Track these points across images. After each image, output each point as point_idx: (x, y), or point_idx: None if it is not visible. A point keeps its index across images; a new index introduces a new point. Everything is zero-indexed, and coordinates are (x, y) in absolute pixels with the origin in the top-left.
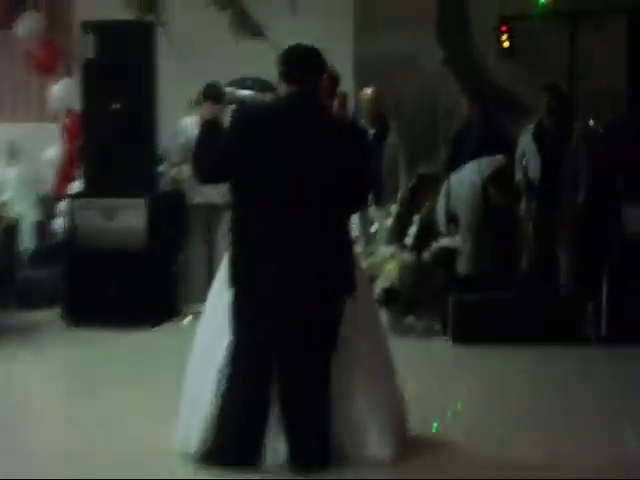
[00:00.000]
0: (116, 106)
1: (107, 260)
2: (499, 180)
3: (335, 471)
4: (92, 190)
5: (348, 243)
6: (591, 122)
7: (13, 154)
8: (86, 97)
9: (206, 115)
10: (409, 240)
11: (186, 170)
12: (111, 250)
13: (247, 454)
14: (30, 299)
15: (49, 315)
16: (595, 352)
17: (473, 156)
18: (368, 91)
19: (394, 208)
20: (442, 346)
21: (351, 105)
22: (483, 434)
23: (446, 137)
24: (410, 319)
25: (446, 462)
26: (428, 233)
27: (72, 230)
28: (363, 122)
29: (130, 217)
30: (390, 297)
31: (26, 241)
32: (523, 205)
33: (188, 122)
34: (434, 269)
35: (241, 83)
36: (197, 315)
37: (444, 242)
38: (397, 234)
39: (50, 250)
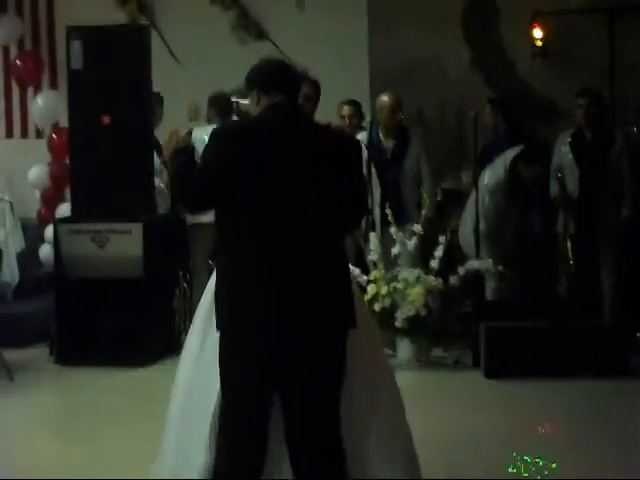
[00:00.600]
0: (107, 120)
1: (99, 292)
2: (525, 154)
3: None
4: (82, 214)
5: (346, 269)
6: (635, 129)
7: None
8: (73, 110)
9: (181, 143)
10: (435, 263)
11: None
12: (104, 280)
13: None
14: (14, 336)
15: (35, 353)
16: None
17: None
18: (385, 98)
19: (417, 227)
20: (473, 380)
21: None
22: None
23: (474, 149)
24: (437, 350)
25: None
26: (455, 255)
27: (60, 259)
28: (380, 134)
29: (125, 243)
30: (415, 326)
31: (9, 272)
32: (560, 222)
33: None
34: (463, 294)
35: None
36: None
37: (473, 264)
38: (421, 256)
39: (36, 282)
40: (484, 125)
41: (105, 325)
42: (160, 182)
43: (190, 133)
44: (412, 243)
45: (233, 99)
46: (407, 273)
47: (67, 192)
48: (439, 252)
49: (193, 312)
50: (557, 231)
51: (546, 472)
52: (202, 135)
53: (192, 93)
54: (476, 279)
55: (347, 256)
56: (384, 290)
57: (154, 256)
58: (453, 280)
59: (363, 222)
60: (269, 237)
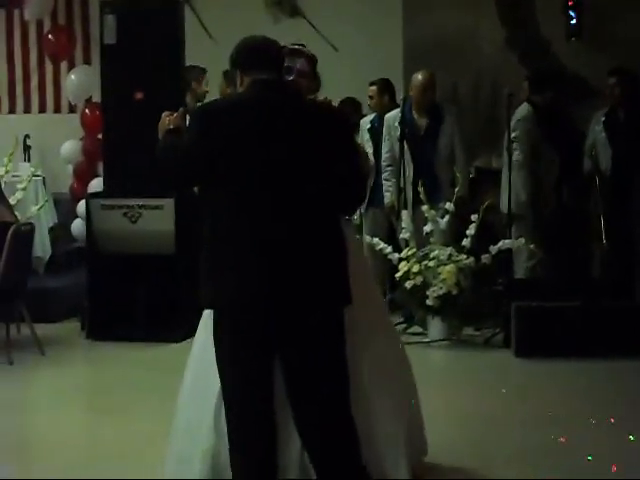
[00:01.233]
0: (140, 95)
1: (132, 267)
2: (533, 82)
3: None
4: (114, 189)
5: (340, 247)
6: None
7: (26, 149)
8: (106, 86)
9: (173, 123)
10: (467, 241)
11: None
12: (136, 256)
13: None
14: (46, 311)
15: (67, 328)
16: None
17: None
18: (418, 76)
19: (450, 206)
20: (504, 359)
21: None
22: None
23: (507, 127)
24: (468, 329)
25: None
26: (489, 233)
27: (92, 234)
28: (414, 112)
29: (157, 219)
30: (446, 305)
31: (41, 247)
32: (593, 201)
33: None
34: (495, 274)
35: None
36: None
37: (506, 243)
38: (453, 235)
39: (68, 257)
40: (519, 103)
41: (137, 300)
42: None
43: (183, 115)
44: (444, 221)
45: None
46: (439, 251)
47: (99, 167)
48: (471, 231)
49: None
50: (590, 210)
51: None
52: None
53: (225, 69)
54: (510, 258)
55: (342, 234)
56: (416, 268)
57: (186, 231)
58: (485, 259)
59: (361, 206)
60: (255, 212)
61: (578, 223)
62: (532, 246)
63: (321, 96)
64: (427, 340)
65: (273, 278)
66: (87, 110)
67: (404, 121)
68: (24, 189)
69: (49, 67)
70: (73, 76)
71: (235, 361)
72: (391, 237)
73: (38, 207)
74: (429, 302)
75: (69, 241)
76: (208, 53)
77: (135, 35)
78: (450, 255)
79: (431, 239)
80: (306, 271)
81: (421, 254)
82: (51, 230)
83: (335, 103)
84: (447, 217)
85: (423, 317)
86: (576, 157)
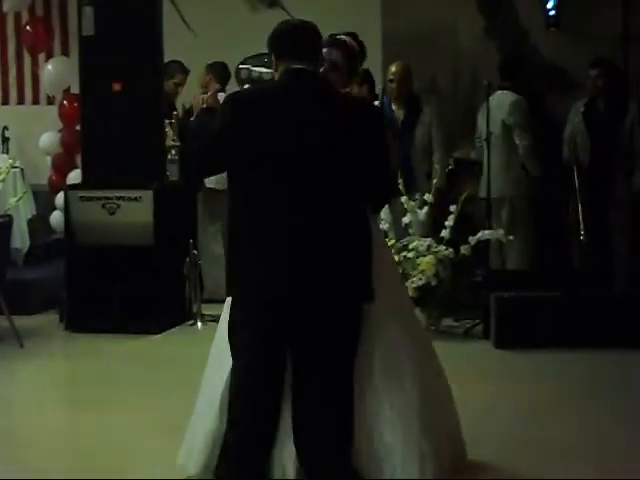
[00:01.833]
0: (118, 87)
1: (110, 258)
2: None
3: None
4: (93, 181)
5: (365, 241)
6: None
7: (5, 140)
8: (85, 77)
9: (207, 102)
10: (446, 232)
11: None
12: (114, 247)
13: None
14: (25, 303)
15: (46, 320)
16: None
17: None
18: (393, 68)
19: (428, 197)
20: (484, 350)
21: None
22: (531, 455)
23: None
24: (447, 320)
25: None
26: (467, 224)
27: (71, 225)
28: (392, 103)
29: (135, 210)
30: (425, 296)
31: (19, 238)
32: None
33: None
34: (474, 264)
35: (258, 59)
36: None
37: (485, 234)
38: (432, 226)
39: (47, 248)
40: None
41: (115, 292)
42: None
43: (217, 93)
44: (423, 212)
45: (243, 67)
46: (418, 242)
47: (78, 159)
48: (450, 222)
49: (205, 278)
50: (568, 200)
51: None
52: None
53: (204, 61)
54: (489, 249)
55: (369, 229)
56: (395, 259)
57: (164, 223)
58: (464, 250)
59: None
60: (278, 203)
61: (556, 213)
62: (510, 237)
63: None
64: None
65: (294, 271)
66: (65, 102)
67: (382, 112)
68: (2, 181)
69: (27, 59)
70: (50, 67)
71: (247, 349)
72: None
73: (17, 199)
74: (408, 293)
75: (48, 233)
76: (186, 44)
77: (113, 26)
78: (429, 246)
79: (410, 230)
80: (328, 266)
81: (400, 245)
82: (30, 222)
83: None
84: (426, 208)
85: None
86: (553, 147)
